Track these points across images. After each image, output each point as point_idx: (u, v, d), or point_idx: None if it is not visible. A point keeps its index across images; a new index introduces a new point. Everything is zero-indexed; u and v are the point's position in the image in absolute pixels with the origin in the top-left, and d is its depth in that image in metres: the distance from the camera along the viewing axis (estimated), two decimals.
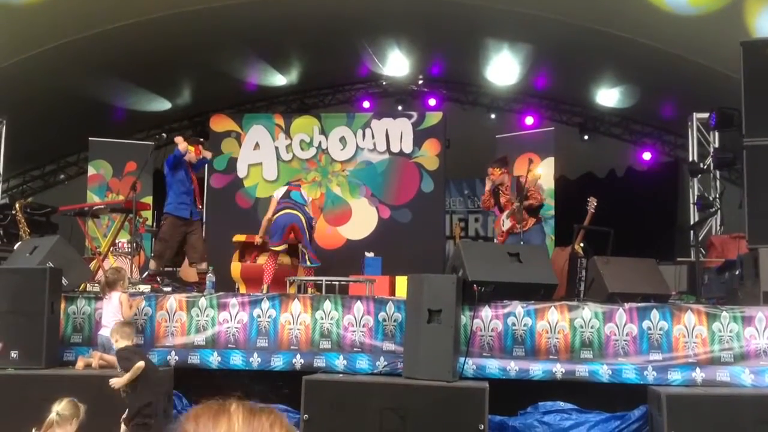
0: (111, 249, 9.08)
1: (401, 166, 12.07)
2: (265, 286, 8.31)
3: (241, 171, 12.32)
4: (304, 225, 8.55)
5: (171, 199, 8.60)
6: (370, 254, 10.01)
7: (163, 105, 14.50)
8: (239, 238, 9.72)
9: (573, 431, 6.09)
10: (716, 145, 10.86)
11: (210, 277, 7.86)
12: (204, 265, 8.89)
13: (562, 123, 14.28)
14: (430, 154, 12.05)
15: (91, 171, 13.06)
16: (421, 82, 14.58)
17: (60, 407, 4.58)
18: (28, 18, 10.22)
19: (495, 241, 11.97)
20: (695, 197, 11.16)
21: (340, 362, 6.49)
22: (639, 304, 6.38)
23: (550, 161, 11.69)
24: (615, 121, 14.54)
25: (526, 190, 8.68)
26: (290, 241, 8.82)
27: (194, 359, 6.66)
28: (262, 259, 9.23)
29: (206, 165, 12.55)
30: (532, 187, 8.84)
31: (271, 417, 1.52)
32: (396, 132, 12.17)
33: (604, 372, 6.25)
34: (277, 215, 8.66)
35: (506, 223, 9.01)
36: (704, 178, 11.31)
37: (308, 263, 8.59)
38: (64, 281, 6.76)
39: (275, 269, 8.59)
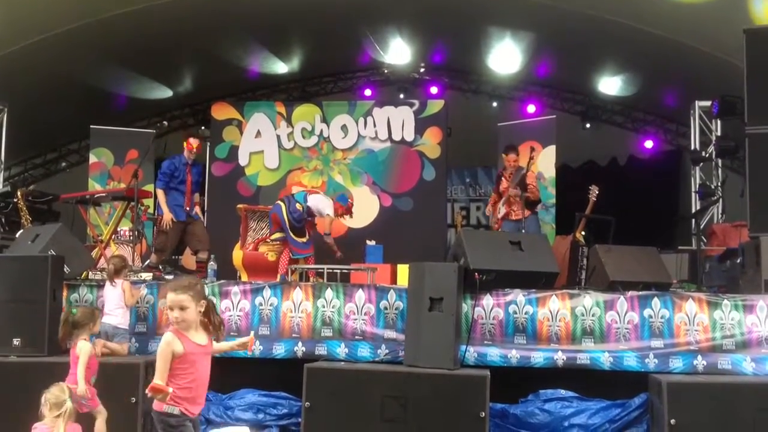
0: (113, 237, 9.09)
1: (403, 155, 12.07)
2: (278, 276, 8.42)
3: (243, 159, 12.33)
4: (284, 216, 8.60)
5: (168, 202, 8.65)
6: (371, 242, 10.02)
7: (165, 93, 14.48)
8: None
9: (574, 419, 6.10)
10: (718, 134, 10.85)
11: (212, 265, 7.87)
12: (205, 255, 8.92)
13: (563, 111, 14.26)
14: (431, 142, 12.04)
15: (92, 159, 13.07)
16: (422, 70, 14.54)
17: (48, 393, 4.72)
18: (29, 5, 10.19)
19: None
20: (697, 185, 11.16)
21: (341, 350, 6.50)
22: (640, 293, 6.38)
23: (551, 149, 11.68)
24: (617, 110, 14.51)
25: (528, 185, 8.77)
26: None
27: None
28: (263, 248, 9.25)
29: (208, 152, 12.62)
30: (533, 182, 8.93)
31: None
32: (397, 120, 12.17)
33: (605, 359, 6.26)
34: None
35: (501, 210, 9.06)
36: (706, 167, 11.29)
37: (291, 255, 8.71)
38: (66, 269, 6.76)
39: (287, 261, 8.67)
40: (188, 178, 8.68)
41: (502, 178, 9.25)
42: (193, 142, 8.84)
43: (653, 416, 5.99)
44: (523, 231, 8.62)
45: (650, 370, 6.19)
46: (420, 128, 12.10)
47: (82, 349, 5.43)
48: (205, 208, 11.64)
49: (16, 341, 6.23)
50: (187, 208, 8.68)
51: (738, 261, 7.34)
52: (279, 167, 12.30)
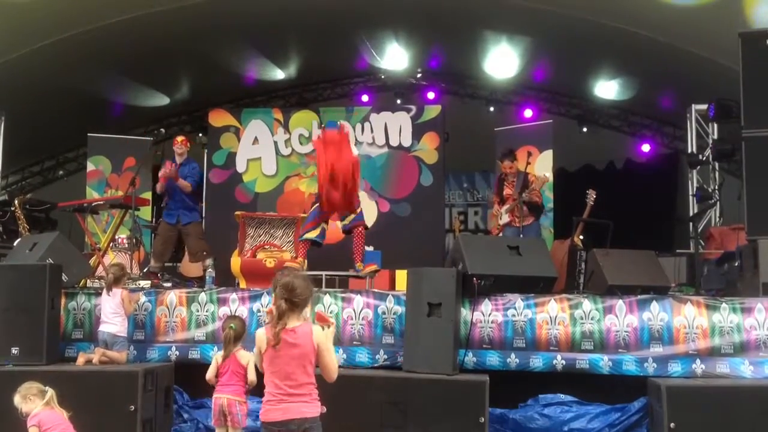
0: (110, 245, 9.08)
1: (400, 160, 12.07)
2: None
3: (240, 166, 12.32)
4: None
5: (167, 205, 9.06)
6: (369, 248, 9.99)
7: (162, 100, 14.48)
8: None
9: (573, 423, 6.10)
10: (715, 137, 10.84)
11: (209, 272, 7.87)
12: (208, 261, 8.93)
13: (560, 115, 14.27)
14: (429, 148, 12.04)
15: (90, 167, 13.04)
16: (419, 75, 14.56)
17: (23, 391, 4.93)
18: (26, 14, 10.19)
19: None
20: (694, 189, 11.15)
21: (339, 356, 6.48)
22: (639, 296, 6.38)
23: (548, 154, 11.68)
24: (614, 113, 14.52)
25: (531, 187, 8.72)
26: None
27: (194, 354, 6.67)
28: (261, 255, 9.22)
29: (206, 159, 12.62)
30: (537, 186, 8.88)
31: None
32: (395, 125, 12.17)
33: (604, 364, 6.25)
34: None
35: (504, 217, 9.01)
36: (703, 170, 11.29)
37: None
38: (64, 277, 6.76)
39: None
40: (181, 186, 8.89)
41: (505, 184, 9.19)
42: (177, 138, 9.27)
43: (653, 420, 5.99)
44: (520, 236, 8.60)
45: (649, 374, 6.19)
46: (417, 133, 12.10)
47: (246, 355, 5.59)
48: (203, 215, 11.62)
49: (14, 350, 6.23)
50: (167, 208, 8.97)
51: (736, 264, 7.34)
52: (277, 174, 12.30)
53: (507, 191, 9.08)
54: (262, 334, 4.07)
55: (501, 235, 8.97)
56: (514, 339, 6.38)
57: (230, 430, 5.56)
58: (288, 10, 11.36)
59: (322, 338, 4.04)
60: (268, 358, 4.04)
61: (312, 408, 4.07)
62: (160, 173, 8.93)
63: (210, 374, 5.66)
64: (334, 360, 4.11)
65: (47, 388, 4.97)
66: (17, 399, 4.94)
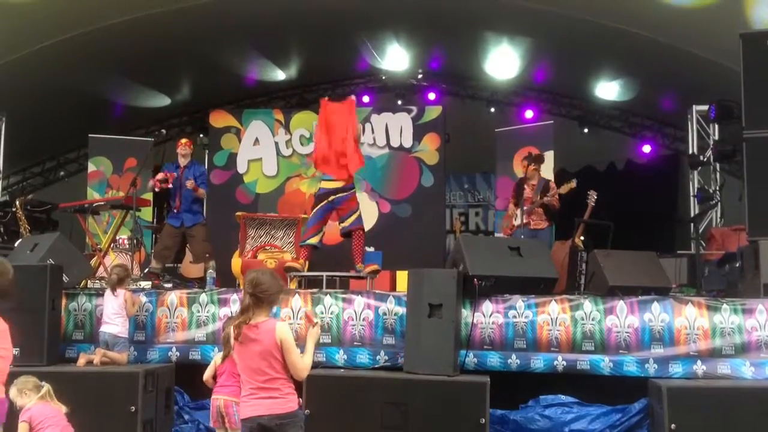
0: (111, 246, 9.08)
1: (401, 161, 12.07)
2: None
3: (241, 167, 12.34)
4: None
5: (173, 208, 8.96)
6: (370, 249, 10.01)
7: (163, 101, 14.49)
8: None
9: (574, 424, 6.10)
10: (716, 138, 10.83)
11: (210, 273, 7.87)
12: (210, 263, 8.95)
13: (561, 116, 14.27)
14: (429, 149, 12.05)
15: (91, 168, 13.06)
16: (420, 76, 14.56)
17: (18, 385, 4.98)
18: (27, 15, 10.20)
19: (498, 234, 11.99)
20: (695, 190, 11.14)
21: (340, 357, 6.50)
22: (640, 297, 6.38)
23: (549, 155, 11.67)
24: (614, 114, 14.52)
25: (551, 192, 8.76)
26: None
27: (195, 355, 6.67)
28: (262, 255, 9.24)
29: (207, 160, 12.62)
30: (557, 192, 8.90)
31: None
32: (396, 126, 12.18)
33: (605, 365, 6.25)
34: None
35: (519, 218, 9.01)
36: (704, 171, 11.29)
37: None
38: (65, 278, 6.75)
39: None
40: (180, 182, 8.80)
41: (525, 186, 9.19)
42: (181, 140, 9.18)
43: (653, 421, 5.98)
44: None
45: (650, 375, 6.18)
46: (418, 134, 12.11)
47: None
48: (204, 215, 11.63)
49: (15, 351, 6.21)
50: (175, 211, 8.83)
51: (737, 265, 7.34)
52: (277, 174, 12.31)
53: (527, 193, 9.08)
54: (231, 330, 4.11)
55: (513, 236, 8.97)
56: (514, 340, 6.37)
57: (229, 431, 5.54)
58: (289, 11, 11.37)
59: (286, 335, 4.00)
60: (236, 353, 4.08)
61: (283, 404, 3.99)
62: (158, 179, 8.84)
63: (207, 375, 5.65)
64: (301, 360, 4.04)
65: (44, 383, 4.96)
66: (13, 392, 4.94)
